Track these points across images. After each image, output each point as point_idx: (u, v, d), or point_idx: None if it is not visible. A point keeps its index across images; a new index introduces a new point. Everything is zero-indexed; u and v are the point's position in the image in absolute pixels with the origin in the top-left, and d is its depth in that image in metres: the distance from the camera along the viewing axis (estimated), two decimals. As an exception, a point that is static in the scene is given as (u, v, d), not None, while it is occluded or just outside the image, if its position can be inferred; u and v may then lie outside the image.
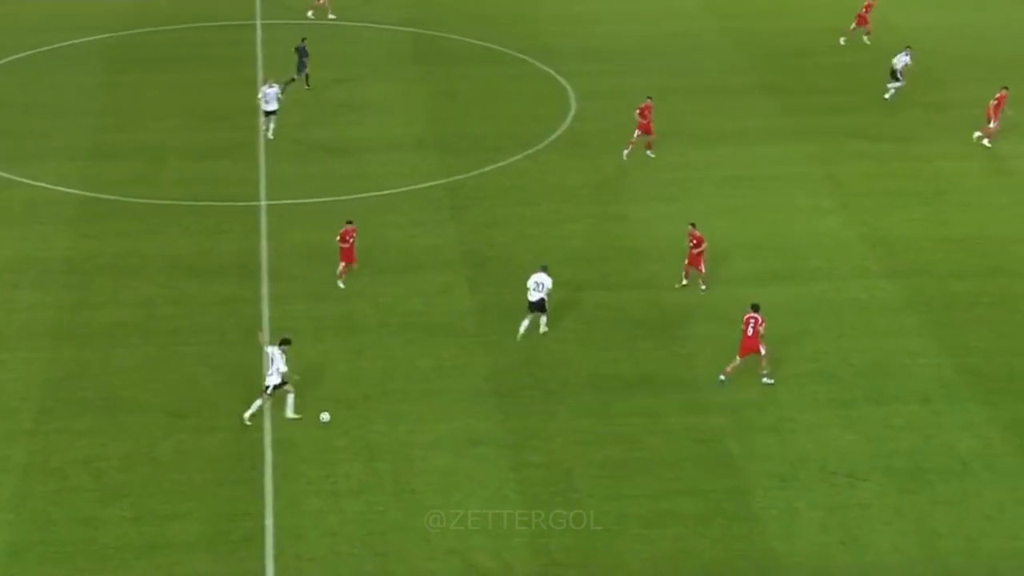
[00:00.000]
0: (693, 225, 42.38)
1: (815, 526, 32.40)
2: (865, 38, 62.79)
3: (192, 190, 48.60)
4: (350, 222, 42.37)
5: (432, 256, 44.31)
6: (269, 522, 32.20)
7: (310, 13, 65.70)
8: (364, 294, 41.88)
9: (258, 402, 35.63)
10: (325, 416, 35.62)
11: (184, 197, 48.07)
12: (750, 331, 37.12)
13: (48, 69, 59.64)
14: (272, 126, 52.35)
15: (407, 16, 66.18)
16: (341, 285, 42.08)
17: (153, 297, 41.77)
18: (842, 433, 35.67)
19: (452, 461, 34.38)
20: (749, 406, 36.66)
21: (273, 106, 52.07)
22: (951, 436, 35.62)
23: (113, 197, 47.94)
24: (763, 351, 37.31)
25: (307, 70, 56.71)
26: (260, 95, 52.72)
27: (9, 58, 60.68)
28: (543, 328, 39.78)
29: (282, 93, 52.50)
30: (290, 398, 35.65)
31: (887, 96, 56.84)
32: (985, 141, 52.40)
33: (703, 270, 42.07)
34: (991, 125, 52.29)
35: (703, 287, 42.15)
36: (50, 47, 61.83)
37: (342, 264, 42.08)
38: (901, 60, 56.75)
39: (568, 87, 58.22)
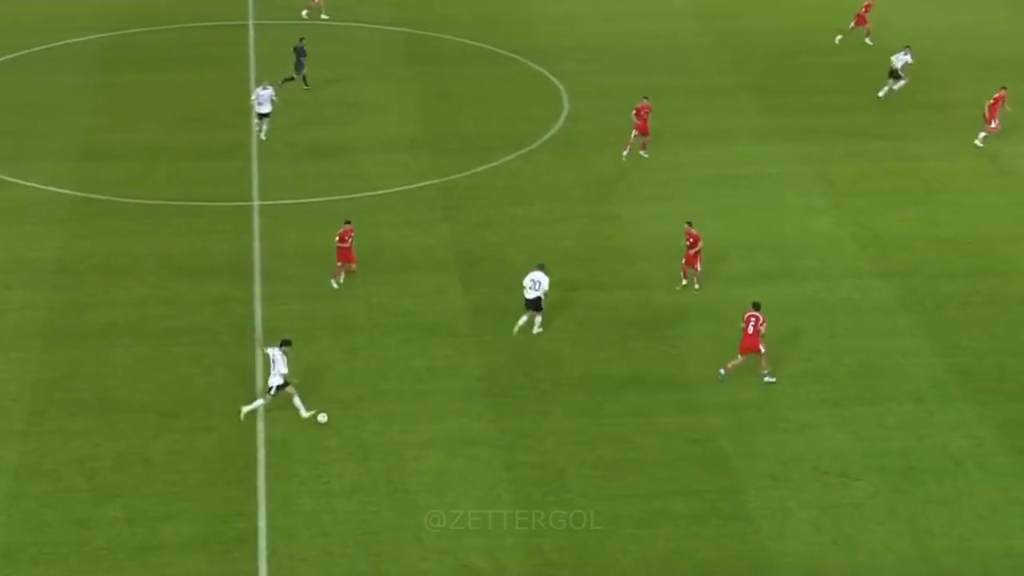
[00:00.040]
0: (689, 224, 42.36)
1: (808, 525, 32.42)
2: (867, 39, 62.59)
3: (184, 190, 48.56)
4: (348, 222, 42.34)
5: (425, 256, 44.30)
6: (262, 522, 32.18)
7: (304, 13, 65.64)
8: (357, 294, 41.86)
9: (260, 401, 35.62)
10: (323, 417, 35.59)
11: (176, 197, 48.02)
12: (750, 329, 37.11)
13: (41, 69, 59.55)
14: (265, 127, 52.28)
15: (400, 16, 66.15)
16: (334, 285, 42.06)
17: (145, 297, 41.73)
18: (835, 433, 35.69)
19: (445, 461, 34.37)
20: (742, 406, 36.67)
21: (267, 108, 51.97)
22: (944, 436, 35.66)
23: (105, 197, 47.88)
24: (763, 350, 37.33)
25: (305, 70, 56.67)
26: (254, 97, 52.55)
27: (2, 58, 60.62)
28: (537, 328, 39.76)
29: (277, 94, 52.42)
30: (296, 400, 35.59)
31: (881, 94, 56.86)
32: (977, 141, 52.42)
33: (699, 269, 42.09)
34: (992, 126, 52.26)
35: (697, 286, 42.16)
36: (43, 47, 61.74)
37: (338, 264, 42.08)
38: (900, 59, 56.70)
39: (561, 87, 58.20)
